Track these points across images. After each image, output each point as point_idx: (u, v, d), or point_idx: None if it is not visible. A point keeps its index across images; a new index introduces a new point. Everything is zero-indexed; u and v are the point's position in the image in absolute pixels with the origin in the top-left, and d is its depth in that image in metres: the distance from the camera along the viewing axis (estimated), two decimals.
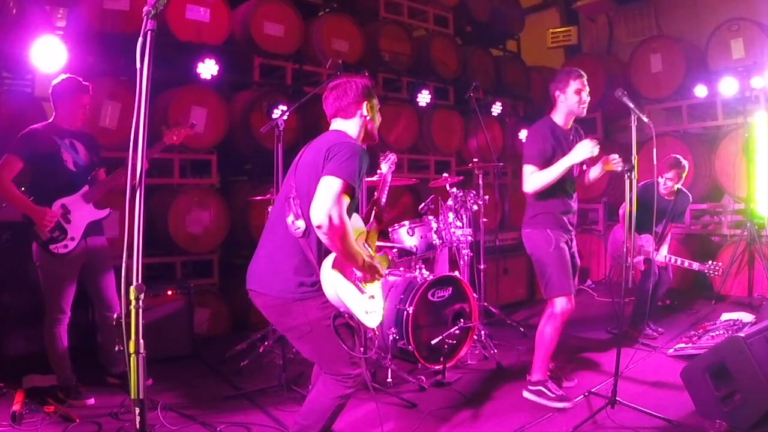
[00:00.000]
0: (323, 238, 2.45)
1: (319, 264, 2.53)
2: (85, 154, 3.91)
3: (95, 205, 3.88)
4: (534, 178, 3.66)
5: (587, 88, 3.74)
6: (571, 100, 3.71)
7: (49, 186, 3.75)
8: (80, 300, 4.33)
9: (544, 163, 3.66)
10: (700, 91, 7.37)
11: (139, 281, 1.79)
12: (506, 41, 9.62)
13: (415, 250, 4.73)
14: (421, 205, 5.03)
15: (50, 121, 3.86)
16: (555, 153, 3.69)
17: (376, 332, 4.29)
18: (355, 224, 2.74)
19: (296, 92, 6.33)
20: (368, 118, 2.77)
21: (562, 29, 10.12)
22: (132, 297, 1.78)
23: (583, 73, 3.75)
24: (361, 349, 2.73)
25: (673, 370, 4.04)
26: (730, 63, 7.30)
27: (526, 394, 3.83)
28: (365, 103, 2.75)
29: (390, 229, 4.86)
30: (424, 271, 4.58)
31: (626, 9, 9.50)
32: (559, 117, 3.81)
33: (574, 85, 3.69)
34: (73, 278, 3.82)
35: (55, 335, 3.77)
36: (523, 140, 8.17)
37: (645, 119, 3.48)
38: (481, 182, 5.50)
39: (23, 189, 3.80)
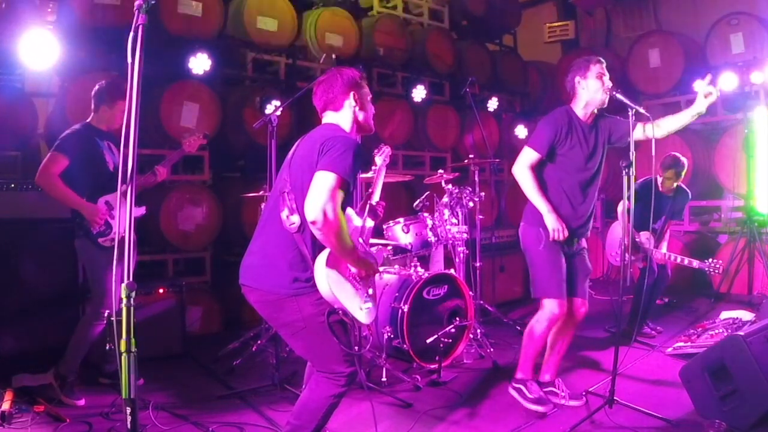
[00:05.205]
0: (317, 234, 2.42)
1: (314, 259, 2.50)
2: (118, 155, 3.94)
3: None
4: (522, 169, 3.56)
5: (608, 74, 3.60)
6: (593, 85, 3.54)
7: (92, 185, 3.83)
8: (73, 298, 4.30)
9: (548, 149, 3.53)
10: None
11: (131, 279, 1.78)
12: (503, 36, 9.57)
13: (410, 247, 4.69)
14: (416, 202, 4.98)
15: (88, 121, 3.92)
16: (566, 142, 3.55)
17: (371, 330, 4.24)
18: (350, 219, 2.70)
19: (290, 87, 6.26)
20: (357, 108, 2.72)
21: (559, 24, 10.11)
22: (123, 295, 1.77)
23: (602, 59, 3.63)
24: (356, 347, 2.68)
25: (672, 369, 4.00)
26: (730, 58, 7.26)
27: (510, 389, 3.77)
28: (352, 93, 2.71)
29: (384, 227, 4.81)
30: (419, 268, 4.53)
31: (624, 3, 9.48)
32: (579, 107, 3.63)
33: (595, 69, 3.55)
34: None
35: (93, 328, 3.81)
36: (520, 136, 8.18)
37: (642, 111, 3.41)
38: (477, 179, 5.45)
39: None
